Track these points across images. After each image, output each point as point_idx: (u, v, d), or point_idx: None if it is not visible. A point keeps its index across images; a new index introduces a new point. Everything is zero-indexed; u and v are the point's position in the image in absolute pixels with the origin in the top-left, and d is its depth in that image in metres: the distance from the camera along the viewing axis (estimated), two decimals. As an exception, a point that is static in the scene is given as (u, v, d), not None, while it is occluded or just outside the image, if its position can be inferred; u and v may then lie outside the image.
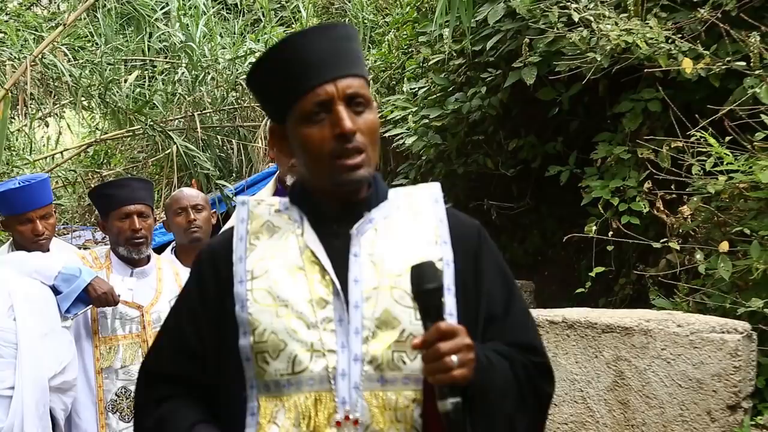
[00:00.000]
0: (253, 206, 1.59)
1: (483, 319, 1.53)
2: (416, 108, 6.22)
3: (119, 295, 3.14)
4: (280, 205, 1.59)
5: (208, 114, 7.42)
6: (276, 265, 1.51)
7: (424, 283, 1.38)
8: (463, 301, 1.51)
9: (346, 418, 1.44)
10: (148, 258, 3.37)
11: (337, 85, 1.46)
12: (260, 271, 1.51)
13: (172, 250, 3.95)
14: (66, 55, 6.34)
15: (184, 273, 3.46)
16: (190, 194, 3.91)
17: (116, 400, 3.16)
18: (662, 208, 4.24)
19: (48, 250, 3.37)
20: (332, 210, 1.53)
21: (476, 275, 1.55)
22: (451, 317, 1.48)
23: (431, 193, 1.61)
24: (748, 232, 3.79)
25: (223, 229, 3.37)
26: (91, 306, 3.12)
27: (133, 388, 3.13)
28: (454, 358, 1.34)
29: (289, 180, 3.34)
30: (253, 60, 7.18)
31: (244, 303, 1.49)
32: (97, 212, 3.59)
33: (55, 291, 3.05)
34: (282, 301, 1.48)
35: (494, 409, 1.45)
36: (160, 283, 3.33)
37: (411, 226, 1.56)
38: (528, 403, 1.51)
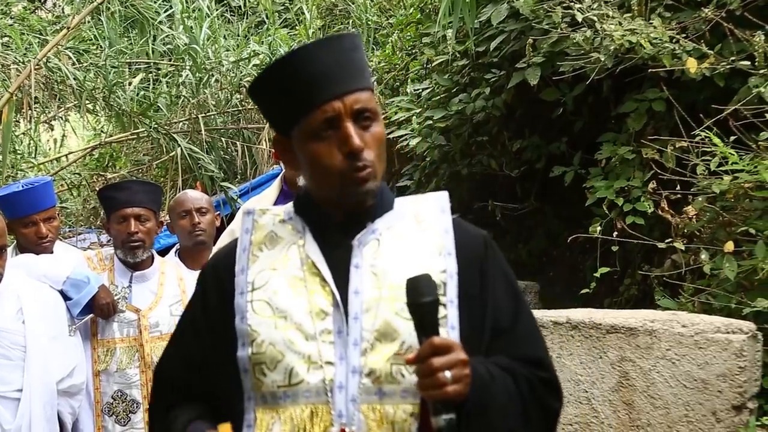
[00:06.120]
0: (258, 216, 1.58)
1: (489, 331, 1.50)
2: (420, 109, 6.22)
3: (119, 305, 3.19)
4: (284, 214, 1.58)
5: (212, 116, 7.43)
6: (277, 276, 1.50)
7: (419, 297, 1.37)
8: (467, 312, 1.48)
9: (342, 431, 1.41)
10: (151, 261, 3.36)
11: (344, 101, 1.45)
12: (261, 282, 1.50)
13: (176, 252, 3.96)
14: (70, 58, 6.34)
15: (189, 277, 3.46)
16: (194, 197, 3.91)
17: (112, 403, 3.17)
18: (667, 208, 4.23)
19: (52, 253, 3.38)
20: (336, 220, 1.52)
21: (482, 287, 1.52)
22: (453, 330, 1.45)
23: (438, 202, 1.58)
24: (753, 231, 3.78)
25: (223, 234, 3.38)
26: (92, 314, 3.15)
27: (128, 391, 3.17)
28: (447, 373, 1.32)
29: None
30: (257, 62, 7.19)
31: (244, 314, 1.49)
32: (102, 214, 3.61)
33: (63, 295, 3.06)
34: (281, 312, 1.47)
35: (493, 426, 1.43)
36: (161, 288, 3.33)
37: (415, 237, 1.53)
38: (532, 419, 1.49)
